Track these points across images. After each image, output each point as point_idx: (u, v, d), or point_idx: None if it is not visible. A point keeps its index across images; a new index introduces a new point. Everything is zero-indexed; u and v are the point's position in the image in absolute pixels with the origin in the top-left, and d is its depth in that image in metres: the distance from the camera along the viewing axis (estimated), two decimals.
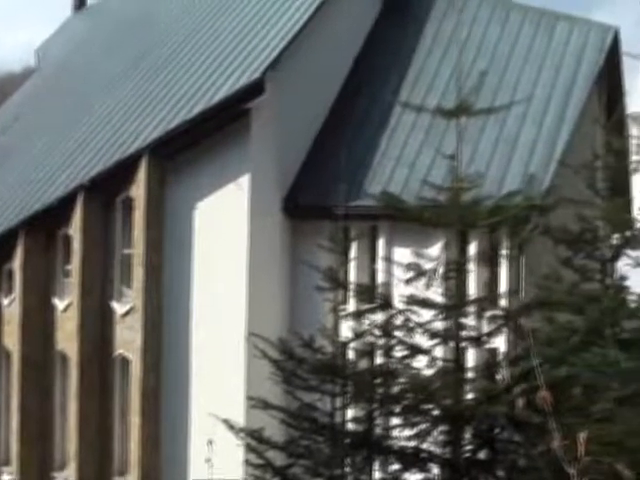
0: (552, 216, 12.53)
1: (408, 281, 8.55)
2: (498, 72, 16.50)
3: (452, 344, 8.72)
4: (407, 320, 8.47)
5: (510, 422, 8.34)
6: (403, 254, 9.54)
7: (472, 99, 9.34)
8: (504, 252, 13.52)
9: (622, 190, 12.30)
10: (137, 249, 15.30)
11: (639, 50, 31.74)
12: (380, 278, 14.36)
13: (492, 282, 13.69)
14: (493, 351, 11.33)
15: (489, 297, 9.61)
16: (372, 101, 16.50)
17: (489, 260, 12.83)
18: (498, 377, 8.76)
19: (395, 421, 9.07)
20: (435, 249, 10.29)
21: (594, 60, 16.68)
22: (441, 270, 8.54)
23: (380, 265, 14.44)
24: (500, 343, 10.75)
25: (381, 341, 9.08)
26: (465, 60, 16.09)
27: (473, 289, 13.26)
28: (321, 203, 14.05)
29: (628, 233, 11.20)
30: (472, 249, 13.51)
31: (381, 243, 14.93)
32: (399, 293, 9.20)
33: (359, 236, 14.26)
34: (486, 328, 8.92)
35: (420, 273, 8.46)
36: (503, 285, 13.24)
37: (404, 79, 16.98)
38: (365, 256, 15.18)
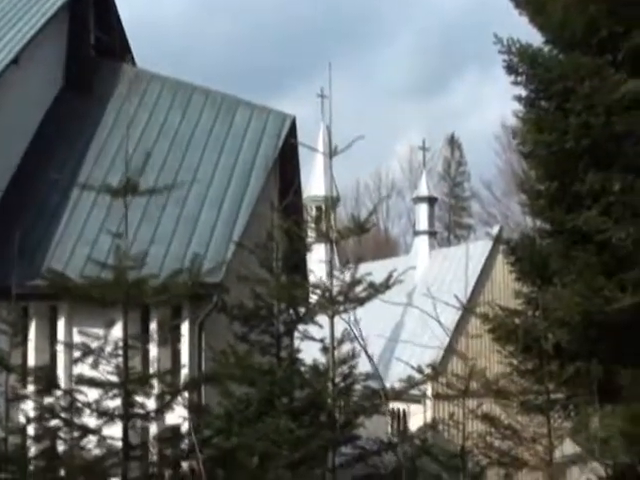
0: (232, 294, 13.03)
1: (76, 361, 8.53)
2: (179, 154, 16.91)
3: (121, 422, 8.76)
4: (74, 401, 8.41)
5: None
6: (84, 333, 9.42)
7: (139, 179, 9.52)
8: (185, 329, 13.82)
9: (296, 269, 13.01)
10: None
11: (315, 138, 33.91)
12: (61, 359, 14.05)
13: (173, 359, 13.88)
14: (176, 427, 11.46)
15: (161, 373, 9.76)
16: (51, 179, 16.23)
17: (168, 336, 13.00)
18: (155, 455, 8.86)
19: None
20: (116, 328, 10.29)
21: (272, 145, 17.42)
22: (109, 348, 8.60)
23: (59, 346, 14.14)
24: (180, 419, 10.92)
25: (52, 424, 8.92)
26: (146, 142, 16.48)
27: (153, 366, 13.42)
28: None
29: (301, 308, 11.87)
30: (153, 326, 13.72)
31: (61, 323, 14.62)
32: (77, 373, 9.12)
33: (36, 316, 13.88)
34: (156, 404, 9.05)
35: (87, 352, 8.46)
36: (183, 361, 13.47)
37: (84, 158, 16.93)
38: (45, 337, 14.80)
